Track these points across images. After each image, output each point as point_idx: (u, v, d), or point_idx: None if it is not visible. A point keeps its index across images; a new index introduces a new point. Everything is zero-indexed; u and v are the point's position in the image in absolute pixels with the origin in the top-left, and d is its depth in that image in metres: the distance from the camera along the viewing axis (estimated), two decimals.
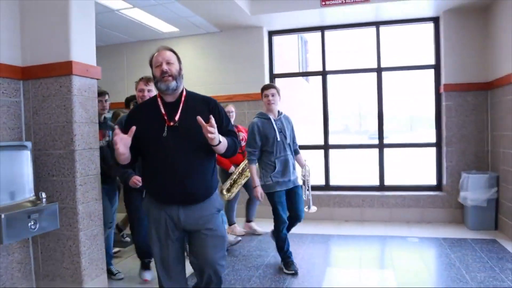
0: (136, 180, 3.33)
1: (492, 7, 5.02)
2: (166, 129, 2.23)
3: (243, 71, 5.99)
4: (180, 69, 2.31)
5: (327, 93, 6.07)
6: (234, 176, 4.64)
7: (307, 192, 3.94)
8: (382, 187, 5.88)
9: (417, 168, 9.82)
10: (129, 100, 4.38)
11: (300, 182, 3.88)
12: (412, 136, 16.79)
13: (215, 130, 2.10)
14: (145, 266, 3.69)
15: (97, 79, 3.25)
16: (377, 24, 5.77)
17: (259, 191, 3.69)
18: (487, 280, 3.43)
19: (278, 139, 3.67)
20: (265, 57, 6.02)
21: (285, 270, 3.77)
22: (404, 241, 4.70)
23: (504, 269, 3.66)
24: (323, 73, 6.05)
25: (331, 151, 6.15)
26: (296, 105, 10.32)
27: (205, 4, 4.87)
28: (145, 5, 4.83)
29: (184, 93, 2.34)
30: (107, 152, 3.51)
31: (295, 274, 3.70)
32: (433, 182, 5.76)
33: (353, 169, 11.09)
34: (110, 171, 3.55)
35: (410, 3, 5.04)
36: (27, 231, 2.59)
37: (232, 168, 4.67)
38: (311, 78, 13.95)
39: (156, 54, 2.30)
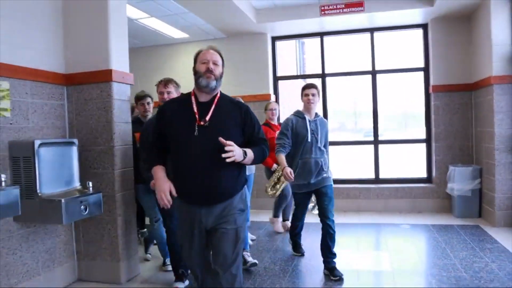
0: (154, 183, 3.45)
1: (474, 16, 5.57)
2: (196, 128, 2.24)
3: (248, 74, 6.49)
4: (222, 72, 2.38)
5: (326, 94, 6.59)
6: (277, 174, 4.60)
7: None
8: (377, 180, 6.41)
9: (409, 162, 10.39)
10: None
11: (332, 182, 3.76)
12: (404, 133, 17.41)
13: (233, 153, 2.15)
14: (179, 277, 3.53)
15: (131, 84, 3.73)
16: (371, 30, 6.32)
17: (287, 170, 3.56)
18: (468, 257, 3.96)
19: (309, 140, 3.64)
20: (269, 61, 6.54)
21: (293, 252, 4.26)
22: (397, 228, 5.23)
23: (483, 249, 4.19)
24: (322, 76, 6.57)
25: (330, 148, 6.64)
26: (297, 105, 10.79)
27: (217, 14, 5.37)
28: (162, 15, 5.32)
29: (218, 94, 2.38)
30: None
31: (300, 255, 4.19)
32: (424, 175, 6.30)
33: (351, 164, 11.65)
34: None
35: (401, 12, 5.59)
36: (79, 214, 3.08)
37: (275, 166, 4.68)
38: (311, 80, 14.57)
39: (204, 51, 2.35)
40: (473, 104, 5.79)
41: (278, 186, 4.60)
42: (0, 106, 2.97)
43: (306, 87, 3.76)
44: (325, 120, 3.92)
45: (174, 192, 2.25)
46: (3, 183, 2.69)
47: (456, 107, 5.87)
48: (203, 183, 2.24)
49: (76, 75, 3.56)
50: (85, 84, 3.54)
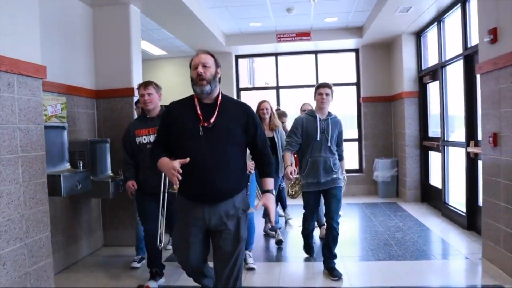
0: (131, 184, 3.49)
1: (391, 45, 7.42)
2: (201, 129, 2.25)
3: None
4: (217, 72, 2.31)
5: (280, 103, 8.11)
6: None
7: None
8: None
9: (345, 156, 12.39)
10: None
11: (341, 184, 3.70)
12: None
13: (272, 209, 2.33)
14: (152, 276, 3.56)
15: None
16: (316, 52, 8.03)
17: (289, 169, 3.63)
18: (384, 220, 5.63)
19: (318, 138, 3.58)
20: (233, 75, 7.98)
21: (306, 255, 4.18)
22: None
23: (396, 216, 5.89)
24: (277, 88, 8.14)
25: None
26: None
27: (194, 37, 6.60)
28: (153, 39, 6.56)
29: (220, 96, 2.36)
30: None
31: (311, 255, 4.18)
32: (356, 166, 8.06)
33: None
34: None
35: (339, 40, 7.34)
36: (118, 190, 4.25)
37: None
38: (265, 92, 16.10)
39: (195, 57, 2.33)
40: (392, 112, 7.59)
41: (297, 187, 4.26)
42: (61, 115, 4.14)
43: (320, 86, 3.65)
44: (338, 120, 3.78)
45: (179, 168, 2.19)
46: (80, 168, 3.90)
47: (379, 114, 7.66)
48: (208, 183, 2.26)
49: (104, 91, 4.76)
50: (111, 98, 4.74)
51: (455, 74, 5.45)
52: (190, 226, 2.36)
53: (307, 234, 4.06)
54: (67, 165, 3.96)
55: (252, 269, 3.85)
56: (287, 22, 6.64)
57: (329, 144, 3.61)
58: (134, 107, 4.58)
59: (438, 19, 5.72)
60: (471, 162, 4.78)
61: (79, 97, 4.47)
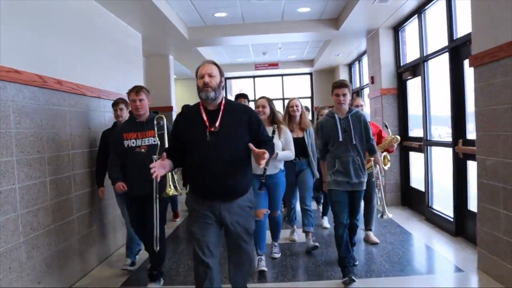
0: (121, 185, 3.43)
1: (334, 71, 10.95)
2: (208, 134, 2.44)
3: None
4: (221, 81, 2.51)
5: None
6: None
7: (378, 196, 3.75)
8: None
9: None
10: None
11: (364, 187, 3.49)
12: None
13: (265, 160, 2.34)
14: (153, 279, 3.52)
15: None
16: (282, 75, 11.83)
17: (325, 186, 3.57)
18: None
19: (340, 139, 3.37)
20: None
21: (341, 282, 3.42)
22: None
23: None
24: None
25: None
26: None
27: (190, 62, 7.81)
28: None
29: (223, 102, 2.53)
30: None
31: (349, 282, 3.33)
32: None
33: None
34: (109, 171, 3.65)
35: (298, 68, 11.17)
36: None
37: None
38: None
39: (200, 67, 2.52)
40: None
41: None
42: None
43: (336, 86, 3.42)
44: (360, 113, 3.51)
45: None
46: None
47: None
48: (217, 184, 2.45)
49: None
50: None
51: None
52: (205, 216, 2.51)
53: (339, 243, 3.43)
54: None
55: (262, 271, 3.75)
56: (262, 58, 10.18)
57: (354, 142, 3.36)
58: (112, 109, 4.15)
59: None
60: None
61: None
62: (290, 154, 3.83)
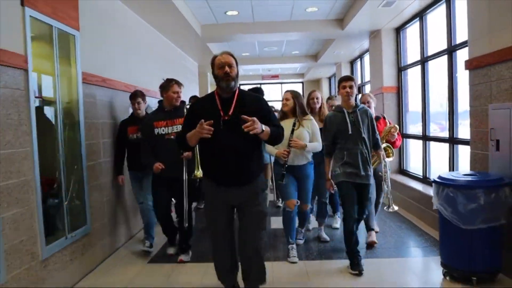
0: (159, 165, 3.66)
1: (319, 81, 15.14)
2: (222, 122, 2.55)
3: None
4: (238, 71, 2.65)
5: None
6: None
7: (385, 188, 3.74)
8: None
9: None
10: None
11: (372, 181, 3.64)
12: None
13: (257, 125, 2.43)
14: (170, 242, 4.12)
15: None
16: (281, 83, 15.98)
17: (329, 184, 3.67)
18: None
19: (350, 132, 3.46)
20: None
21: (349, 270, 3.53)
22: None
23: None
24: None
25: None
26: None
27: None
28: None
29: (237, 91, 2.67)
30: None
31: (358, 274, 3.45)
32: None
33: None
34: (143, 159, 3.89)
35: (293, 79, 15.69)
36: None
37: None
38: None
39: (219, 56, 2.63)
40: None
41: None
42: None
43: (343, 79, 3.57)
44: (366, 109, 3.64)
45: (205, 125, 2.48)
46: None
47: None
48: (231, 170, 2.60)
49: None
50: None
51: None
52: (218, 200, 2.72)
53: (348, 236, 3.52)
54: None
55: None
56: (267, 72, 14.35)
57: (363, 135, 3.49)
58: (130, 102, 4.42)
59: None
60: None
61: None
62: (318, 145, 3.86)
